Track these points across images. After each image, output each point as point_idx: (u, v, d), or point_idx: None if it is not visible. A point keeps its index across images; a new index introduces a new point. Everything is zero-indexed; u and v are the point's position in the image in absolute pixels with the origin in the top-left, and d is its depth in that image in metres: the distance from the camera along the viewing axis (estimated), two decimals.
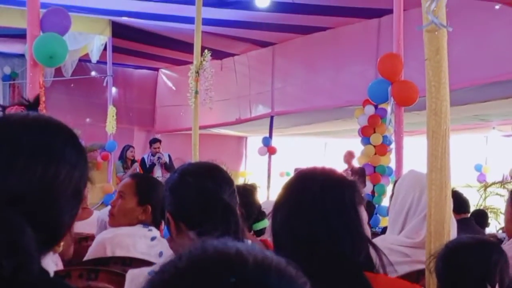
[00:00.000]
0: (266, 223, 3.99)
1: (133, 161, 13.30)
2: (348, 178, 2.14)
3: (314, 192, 2.05)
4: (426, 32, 2.66)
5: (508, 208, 3.85)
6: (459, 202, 5.25)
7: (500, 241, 5.47)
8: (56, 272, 3.15)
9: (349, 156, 13.73)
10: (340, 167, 13.46)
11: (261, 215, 3.99)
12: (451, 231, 2.81)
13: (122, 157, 13.24)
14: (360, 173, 12.00)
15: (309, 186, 2.09)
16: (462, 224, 4.20)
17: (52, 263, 3.41)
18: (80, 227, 4.84)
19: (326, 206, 2.01)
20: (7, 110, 3.58)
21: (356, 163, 12.50)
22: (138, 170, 13.26)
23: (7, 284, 1.25)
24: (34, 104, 3.56)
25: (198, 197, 2.29)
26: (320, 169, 2.22)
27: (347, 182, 2.11)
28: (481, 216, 7.66)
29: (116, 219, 3.66)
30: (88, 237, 4.72)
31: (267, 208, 4.77)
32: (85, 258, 3.64)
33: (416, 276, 2.98)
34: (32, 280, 1.29)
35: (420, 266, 2.92)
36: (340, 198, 2.04)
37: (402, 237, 3.10)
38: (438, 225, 2.65)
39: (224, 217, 2.25)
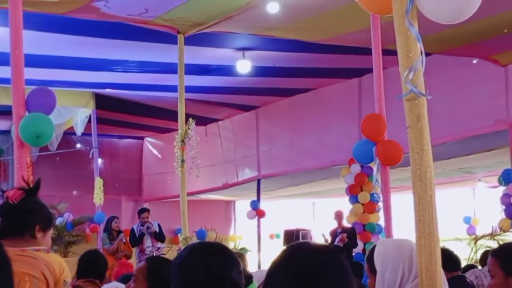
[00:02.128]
0: (255, 286, 4.05)
1: (119, 232, 13.24)
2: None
3: (307, 267, 2.06)
4: (406, 100, 2.72)
5: (497, 271, 3.82)
6: (450, 260, 5.25)
7: None
8: None
9: (338, 216, 13.79)
10: (329, 226, 13.47)
11: (249, 279, 4.04)
12: None
13: (107, 229, 13.17)
14: (351, 232, 12.01)
15: (303, 262, 2.10)
16: (455, 283, 4.20)
17: None
18: None
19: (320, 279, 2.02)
20: (5, 193, 3.62)
21: (345, 222, 12.49)
22: (124, 240, 13.17)
23: None
24: (34, 189, 3.62)
25: (207, 274, 2.32)
26: (309, 244, 2.23)
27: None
28: None
29: None
30: None
31: (258, 278, 4.80)
32: None
33: None
34: None
35: None
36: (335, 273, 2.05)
37: None
38: None
39: None
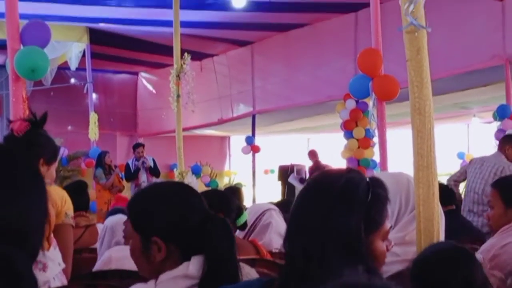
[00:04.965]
0: (246, 216, 4.13)
1: (112, 166, 13.26)
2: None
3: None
4: (406, 33, 2.70)
5: (497, 202, 3.85)
6: (445, 194, 5.29)
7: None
8: None
9: (311, 155, 14.98)
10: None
11: (240, 210, 4.11)
12: (440, 227, 2.86)
13: (101, 164, 13.14)
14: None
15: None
16: (450, 216, 4.23)
17: (58, 282, 3.45)
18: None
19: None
20: (11, 125, 3.60)
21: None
22: (120, 174, 13.23)
23: None
24: (40, 122, 3.59)
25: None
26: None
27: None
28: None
29: None
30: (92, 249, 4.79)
31: (254, 212, 4.85)
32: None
33: (407, 274, 3.02)
34: None
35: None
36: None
37: (392, 234, 3.13)
38: (427, 222, 2.69)
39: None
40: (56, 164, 3.82)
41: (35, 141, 3.58)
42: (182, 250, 2.21)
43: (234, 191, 7.68)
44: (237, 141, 19.62)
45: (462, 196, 7.37)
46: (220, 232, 2.23)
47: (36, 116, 3.62)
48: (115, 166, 13.31)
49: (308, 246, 1.92)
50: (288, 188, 16.26)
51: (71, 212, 3.76)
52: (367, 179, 2.01)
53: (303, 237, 1.95)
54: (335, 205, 1.93)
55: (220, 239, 2.21)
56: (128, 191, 13.09)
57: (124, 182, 13.18)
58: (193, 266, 2.16)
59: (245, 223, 4.16)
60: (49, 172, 3.69)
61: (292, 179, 15.88)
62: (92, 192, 13.23)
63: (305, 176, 15.93)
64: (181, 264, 2.18)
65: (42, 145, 3.64)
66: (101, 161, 13.19)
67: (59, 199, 3.66)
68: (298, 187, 15.69)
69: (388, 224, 2.07)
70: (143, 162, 12.96)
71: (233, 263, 2.22)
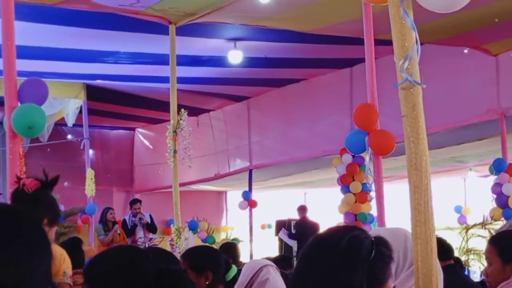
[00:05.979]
0: (235, 269, 4.13)
1: (114, 223, 13.27)
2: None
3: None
4: (401, 89, 2.72)
5: (495, 258, 3.84)
6: (443, 249, 5.27)
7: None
8: None
9: (299, 210, 15.45)
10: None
11: (228, 264, 4.11)
12: (439, 283, 2.84)
13: (103, 220, 13.19)
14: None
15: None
16: (448, 271, 4.20)
17: None
18: None
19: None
20: (22, 181, 3.60)
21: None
22: (118, 231, 13.18)
23: None
24: (50, 183, 3.60)
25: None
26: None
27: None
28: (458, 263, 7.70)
29: None
30: None
31: (251, 268, 4.82)
32: None
33: None
34: None
35: None
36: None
37: None
38: (426, 279, 2.67)
39: None
40: (56, 228, 3.83)
41: (42, 200, 3.59)
42: None
43: (230, 247, 7.66)
44: (234, 196, 19.58)
45: None
46: (173, 282, 2.31)
47: (48, 177, 3.64)
48: (116, 223, 13.30)
49: None
50: (285, 243, 16.19)
51: (69, 271, 3.75)
52: (372, 238, 2.02)
53: None
54: (339, 263, 1.94)
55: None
56: None
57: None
58: None
59: (235, 278, 4.16)
60: (50, 234, 3.69)
61: (281, 234, 15.91)
62: (90, 249, 13.20)
63: (293, 231, 15.94)
64: None
65: (48, 205, 3.64)
66: (103, 217, 13.21)
67: (58, 258, 3.65)
68: (288, 242, 15.69)
69: (391, 283, 2.07)
70: (140, 218, 12.94)
71: None
